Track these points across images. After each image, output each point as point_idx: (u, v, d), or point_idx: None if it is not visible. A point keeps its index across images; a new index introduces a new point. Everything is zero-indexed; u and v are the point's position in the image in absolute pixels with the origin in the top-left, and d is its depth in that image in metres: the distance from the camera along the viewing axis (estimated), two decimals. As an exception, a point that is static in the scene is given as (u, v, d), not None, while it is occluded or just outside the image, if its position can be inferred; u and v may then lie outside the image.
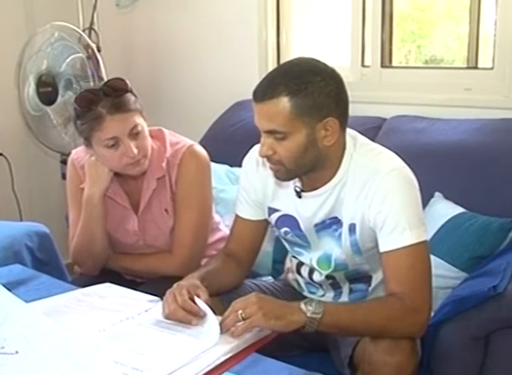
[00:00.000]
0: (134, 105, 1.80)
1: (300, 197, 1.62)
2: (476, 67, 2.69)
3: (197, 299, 1.45)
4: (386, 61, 2.80)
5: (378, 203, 1.49)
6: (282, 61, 2.89)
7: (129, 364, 1.24)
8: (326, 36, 3.05)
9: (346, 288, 1.71)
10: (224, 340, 1.33)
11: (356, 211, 1.54)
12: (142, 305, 1.55)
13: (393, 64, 2.85)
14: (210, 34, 3.16)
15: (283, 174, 1.55)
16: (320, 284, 1.73)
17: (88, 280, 1.82)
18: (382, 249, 1.51)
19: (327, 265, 1.66)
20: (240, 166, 1.80)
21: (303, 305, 1.40)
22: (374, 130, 2.45)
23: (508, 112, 2.33)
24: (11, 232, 2.08)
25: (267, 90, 1.46)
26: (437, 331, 1.63)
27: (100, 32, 3.12)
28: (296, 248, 1.72)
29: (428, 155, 2.23)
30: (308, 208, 1.61)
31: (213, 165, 2.06)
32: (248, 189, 1.73)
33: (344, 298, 1.71)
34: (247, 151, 1.76)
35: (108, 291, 1.68)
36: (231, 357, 1.30)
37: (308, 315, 1.38)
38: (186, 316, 1.42)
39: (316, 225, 1.62)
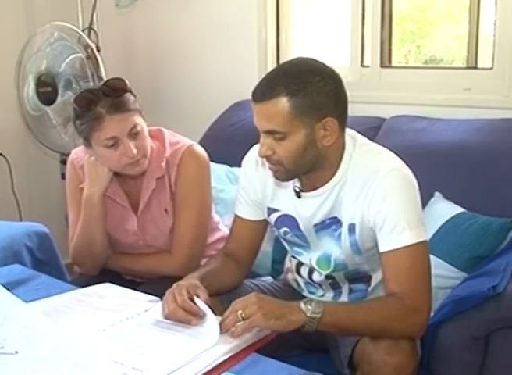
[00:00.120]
0: (134, 105, 1.80)
1: (299, 197, 1.62)
2: (476, 67, 2.69)
3: (196, 299, 1.45)
4: (386, 61, 2.80)
5: (378, 203, 1.49)
6: (282, 61, 2.89)
7: (129, 364, 1.24)
8: (326, 36, 3.05)
9: (345, 288, 1.71)
10: (224, 340, 1.33)
11: (355, 211, 1.54)
12: (142, 305, 1.55)
13: (393, 64, 2.85)
14: (210, 34, 3.16)
15: (283, 174, 1.55)
16: (319, 284, 1.73)
17: (88, 280, 1.82)
18: (381, 249, 1.51)
19: (326, 265, 1.66)
20: (239, 166, 1.80)
21: (302, 305, 1.40)
22: (373, 130, 2.45)
23: (508, 112, 2.33)
24: (10, 232, 2.08)
25: (266, 90, 1.46)
26: (437, 331, 1.63)
27: (99, 32, 3.12)
28: (296, 248, 1.72)
29: (428, 155, 2.23)
30: (308, 209, 1.61)
31: (212, 165, 2.06)
32: (248, 189, 1.73)
33: (344, 297, 1.71)
34: (247, 151, 1.76)
35: (107, 291, 1.67)
36: (231, 357, 1.30)
37: (308, 314, 1.38)
38: (186, 316, 1.42)
39: (315, 225, 1.62)
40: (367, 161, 1.54)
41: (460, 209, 2.08)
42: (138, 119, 1.81)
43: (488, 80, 2.49)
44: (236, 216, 1.78)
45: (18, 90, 2.98)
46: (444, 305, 1.67)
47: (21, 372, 1.24)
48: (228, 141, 2.69)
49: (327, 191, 1.57)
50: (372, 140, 1.74)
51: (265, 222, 1.75)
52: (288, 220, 1.67)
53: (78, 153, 1.99)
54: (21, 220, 3.15)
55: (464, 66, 2.77)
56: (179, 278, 1.86)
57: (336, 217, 1.58)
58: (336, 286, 1.71)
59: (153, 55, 3.43)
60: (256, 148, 1.62)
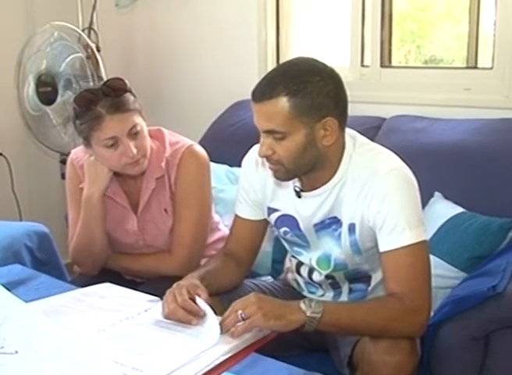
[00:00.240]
0: (133, 104, 1.80)
1: (299, 197, 1.62)
2: (475, 67, 2.69)
3: (198, 299, 1.45)
4: (386, 61, 2.80)
5: (378, 203, 1.49)
6: (282, 61, 2.89)
7: (129, 364, 1.24)
8: (326, 36, 3.05)
9: (345, 288, 1.71)
10: (223, 340, 1.33)
11: (355, 211, 1.54)
12: (142, 305, 1.55)
13: (393, 64, 2.85)
14: (209, 34, 3.16)
15: (283, 174, 1.55)
16: (319, 284, 1.73)
17: (88, 280, 1.82)
18: (381, 249, 1.51)
19: (326, 265, 1.66)
20: (239, 165, 1.80)
21: (302, 305, 1.40)
22: (373, 129, 2.45)
23: (507, 112, 2.33)
24: (10, 232, 2.08)
25: (266, 90, 1.46)
26: (437, 331, 1.63)
27: (99, 32, 3.12)
28: (296, 248, 1.72)
29: (428, 154, 2.23)
30: (308, 208, 1.61)
31: (212, 165, 2.06)
32: (248, 189, 1.73)
33: (344, 297, 1.71)
34: (247, 151, 1.76)
35: (107, 290, 1.67)
36: (230, 357, 1.30)
37: (308, 314, 1.38)
38: (186, 316, 1.42)
39: (315, 225, 1.62)
40: (367, 161, 1.54)
41: (459, 209, 2.08)
42: (138, 119, 1.81)
43: (488, 80, 2.49)
44: (236, 216, 1.78)
45: (18, 90, 2.98)
46: (444, 304, 1.67)
47: (21, 372, 1.24)
48: (228, 141, 2.69)
49: (327, 190, 1.57)
50: (372, 140, 1.74)
51: (265, 222, 1.75)
52: (288, 220, 1.67)
53: (78, 153, 1.99)
54: (21, 220, 3.15)
55: (464, 65, 2.77)
56: (179, 278, 1.86)
57: (335, 217, 1.58)
58: (335, 286, 1.71)
59: (153, 55, 3.43)
60: (256, 147, 1.62)
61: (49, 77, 2.85)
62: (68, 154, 2.08)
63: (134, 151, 1.78)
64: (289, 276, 1.86)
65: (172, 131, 2.00)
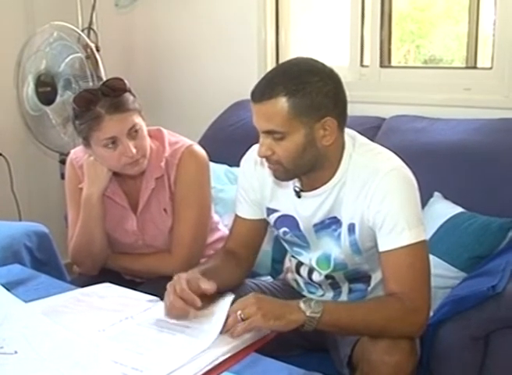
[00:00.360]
0: (133, 104, 1.80)
1: (299, 197, 1.62)
2: (475, 67, 2.69)
3: (220, 302, 1.43)
4: (385, 61, 2.80)
5: (378, 203, 1.49)
6: (282, 61, 2.89)
7: (129, 364, 1.24)
8: (325, 36, 3.05)
9: (345, 288, 1.71)
10: (223, 340, 1.33)
11: (355, 211, 1.54)
12: (141, 305, 1.55)
13: (392, 64, 2.85)
14: (209, 34, 3.16)
15: (282, 174, 1.55)
16: (319, 284, 1.73)
17: (87, 280, 1.82)
18: (381, 249, 1.51)
19: (326, 265, 1.66)
20: (238, 165, 1.79)
21: (302, 304, 1.39)
22: (373, 129, 2.45)
23: (507, 112, 2.33)
24: (10, 232, 2.08)
25: (265, 90, 1.46)
26: (436, 331, 1.63)
27: (99, 32, 3.13)
28: (296, 248, 1.72)
29: (428, 154, 2.23)
30: (308, 208, 1.61)
31: (212, 165, 2.06)
32: (247, 189, 1.73)
33: (343, 297, 1.71)
34: (246, 151, 1.76)
35: (107, 290, 1.67)
36: (230, 357, 1.30)
37: (307, 314, 1.38)
38: (184, 307, 1.41)
39: (315, 225, 1.62)
40: (366, 161, 1.54)
41: (459, 209, 2.08)
42: (137, 119, 1.81)
43: (488, 79, 2.49)
44: (237, 216, 1.78)
45: (17, 90, 2.98)
46: (443, 304, 1.67)
47: (21, 372, 1.24)
48: (227, 141, 2.69)
49: (327, 190, 1.57)
50: (372, 140, 1.74)
51: (265, 221, 1.75)
52: (288, 220, 1.67)
53: (77, 153, 1.99)
54: (20, 220, 3.15)
55: (464, 65, 2.77)
56: (179, 278, 1.86)
57: (335, 217, 1.58)
58: (335, 286, 1.71)
59: (152, 55, 3.43)
60: (255, 148, 1.62)
61: (49, 77, 2.85)
62: (67, 154, 2.08)
63: (134, 151, 1.78)
64: (289, 276, 1.86)
65: (171, 131, 2.00)
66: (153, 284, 1.83)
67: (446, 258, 1.95)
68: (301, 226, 1.64)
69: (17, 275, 1.82)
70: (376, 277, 1.66)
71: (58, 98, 2.84)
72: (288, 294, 1.76)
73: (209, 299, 1.57)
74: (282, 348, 1.53)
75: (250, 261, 1.79)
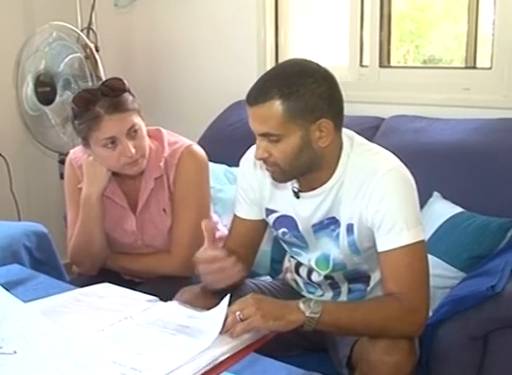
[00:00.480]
0: (132, 104, 1.80)
1: (298, 197, 1.62)
2: (474, 67, 2.69)
3: (221, 303, 1.43)
4: (385, 61, 2.80)
5: (376, 203, 1.49)
6: (281, 61, 2.89)
7: (128, 364, 1.24)
8: (325, 36, 3.05)
9: (344, 288, 1.71)
10: (222, 340, 1.33)
11: (353, 211, 1.54)
12: (141, 305, 1.54)
13: (392, 64, 2.85)
14: (208, 34, 3.16)
15: (280, 176, 1.55)
16: (319, 284, 1.73)
17: (86, 280, 1.82)
18: (379, 249, 1.50)
19: (325, 265, 1.65)
20: (238, 165, 1.79)
21: (301, 305, 1.39)
22: (372, 129, 2.45)
23: (506, 112, 2.33)
24: (9, 232, 2.08)
25: (259, 93, 1.46)
26: (435, 331, 1.63)
27: (98, 32, 3.12)
28: (295, 249, 1.72)
29: (427, 154, 2.23)
30: (306, 209, 1.61)
31: (211, 165, 2.06)
32: (246, 189, 1.73)
33: (343, 297, 1.71)
34: (245, 151, 1.76)
35: (106, 290, 1.67)
36: (229, 357, 1.29)
37: (307, 314, 1.38)
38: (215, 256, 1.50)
39: (314, 225, 1.61)
40: (365, 161, 1.54)
41: (458, 209, 2.08)
42: (136, 119, 1.81)
43: (487, 79, 2.49)
44: (236, 216, 1.78)
45: (16, 90, 2.98)
46: (443, 304, 1.67)
47: (20, 372, 1.24)
48: (227, 141, 2.69)
49: (325, 191, 1.57)
50: (371, 140, 1.74)
51: (265, 221, 1.75)
52: (286, 221, 1.66)
53: (76, 153, 1.99)
54: (20, 220, 3.15)
55: (463, 65, 2.77)
56: (178, 278, 1.87)
57: (334, 217, 1.58)
58: (335, 286, 1.71)
59: (152, 55, 3.43)
60: (254, 148, 1.62)
61: (48, 77, 2.85)
62: (66, 154, 2.08)
63: (133, 151, 1.78)
64: (289, 276, 1.86)
65: (170, 131, 2.00)
66: (152, 284, 1.83)
67: (445, 258, 1.95)
68: (300, 227, 1.64)
69: (16, 275, 1.81)
70: (375, 277, 1.66)
71: (58, 98, 2.84)
72: (287, 294, 1.76)
73: (208, 300, 1.57)
74: (282, 348, 1.53)
75: (250, 261, 1.79)
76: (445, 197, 2.15)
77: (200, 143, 2.12)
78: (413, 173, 1.55)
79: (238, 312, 1.36)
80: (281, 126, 1.45)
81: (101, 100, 1.75)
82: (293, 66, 1.50)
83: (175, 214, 1.92)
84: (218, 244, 2.00)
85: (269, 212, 1.71)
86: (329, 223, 1.59)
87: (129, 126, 1.78)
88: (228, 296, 1.41)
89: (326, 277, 1.69)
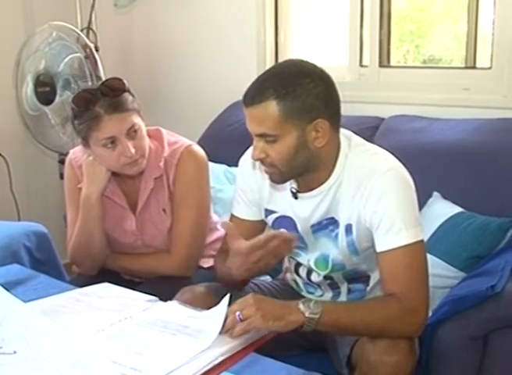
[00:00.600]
0: (132, 104, 1.80)
1: (296, 198, 1.62)
2: (474, 67, 2.69)
3: (221, 303, 1.43)
4: (384, 61, 2.80)
5: (374, 203, 1.49)
6: (281, 61, 2.89)
7: (128, 364, 1.24)
8: (324, 36, 3.05)
9: (344, 288, 1.70)
10: (222, 340, 1.33)
11: (352, 211, 1.54)
12: (140, 305, 1.54)
13: (391, 64, 2.85)
14: (208, 34, 3.16)
15: (278, 177, 1.55)
16: (318, 285, 1.73)
17: (86, 280, 1.82)
18: (378, 249, 1.50)
19: (324, 265, 1.65)
20: (237, 165, 1.79)
21: (301, 305, 1.39)
22: (372, 129, 2.46)
23: (506, 112, 2.33)
24: (9, 232, 2.08)
25: (255, 94, 1.46)
26: (435, 331, 1.63)
27: (98, 32, 3.12)
28: (294, 249, 1.71)
29: (427, 154, 2.23)
30: (305, 209, 1.61)
31: (211, 165, 2.06)
32: (245, 189, 1.73)
33: (343, 297, 1.71)
34: (245, 151, 1.76)
35: (106, 290, 1.67)
36: (229, 357, 1.30)
37: (307, 315, 1.38)
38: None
39: (313, 226, 1.61)
40: (363, 161, 1.54)
41: (458, 209, 2.08)
42: (136, 119, 1.81)
43: (487, 79, 2.49)
44: (234, 217, 1.77)
45: (16, 90, 2.98)
46: (442, 304, 1.67)
47: (20, 372, 1.24)
48: (226, 141, 2.69)
49: (323, 191, 1.57)
50: (371, 140, 1.75)
51: (263, 222, 1.75)
52: (285, 221, 1.66)
53: (76, 153, 1.99)
54: (19, 220, 3.14)
55: (463, 65, 2.77)
56: (178, 278, 1.87)
57: (332, 218, 1.58)
58: (334, 286, 1.71)
59: (151, 55, 3.43)
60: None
61: (48, 77, 2.85)
62: (66, 154, 2.08)
63: (133, 151, 1.78)
64: (288, 276, 1.86)
65: (170, 131, 2.00)
66: (152, 284, 1.83)
67: (445, 258, 1.95)
68: (299, 228, 1.64)
69: (16, 275, 1.81)
70: (375, 277, 1.66)
71: (58, 98, 2.84)
72: (287, 294, 1.76)
73: (208, 299, 1.57)
74: (282, 348, 1.53)
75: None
76: (445, 197, 2.15)
77: (199, 143, 2.12)
78: (413, 173, 1.55)
79: (238, 312, 1.36)
80: (277, 127, 1.45)
81: (100, 100, 1.75)
82: (290, 67, 1.50)
83: (175, 214, 1.92)
84: (217, 244, 2.01)
85: (268, 212, 1.71)
86: (328, 224, 1.59)
87: (128, 126, 1.78)
88: (228, 296, 1.41)
89: (326, 277, 1.69)
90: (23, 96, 2.95)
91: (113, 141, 1.77)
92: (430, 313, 1.57)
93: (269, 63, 2.98)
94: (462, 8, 2.77)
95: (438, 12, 2.93)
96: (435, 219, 2.06)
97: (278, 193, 1.67)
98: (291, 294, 1.78)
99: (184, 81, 3.29)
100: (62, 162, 2.91)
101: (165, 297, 1.58)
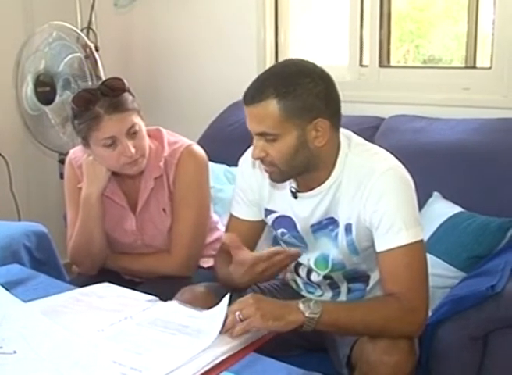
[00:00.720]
0: (132, 104, 1.80)
1: (296, 197, 1.62)
2: (474, 67, 2.69)
3: (221, 303, 1.43)
4: (384, 60, 2.80)
5: (374, 203, 1.49)
6: (281, 60, 2.89)
7: (128, 364, 1.24)
8: (324, 36, 3.05)
9: (344, 288, 1.70)
10: (222, 340, 1.33)
11: (352, 211, 1.54)
12: (140, 305, 1.54)
13: (391, 64, 2.85)
14: (208, 34, 3.16)
15: (277, 176, 1.55)
16: (318, 284, 1.73)
17: (86, 280, 1.82)
18: (378, 249, 1.50)
19: (324, 265, 1.65)
20: (237, 165, 1.79)
21: (301, 305, 1.39)
22: (372, 129, 2.45)
23: (506, 112, 2.33)
24: (9, 232, 2.08)
25: (256, 93, 1.46)
26: (435, 331, 1.63)
27: (98, 32, 3.13)
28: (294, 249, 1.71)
29: (427, 154, 2.23)
30: (304, 209, 1.61)
31: (211, 164, 2.06)
32: (245, 189, 1.73)
33: (342, 297, 1.71)
34: (245, 151, 1.76)
35: (106, 290, 1.67)
36: (229, 357, 1.30)
37: (306, 314, 1.38)
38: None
39: (312, 225, 1.61)
40: (363, 161, 1.54)
41: (458, 209, 2.08)
42: (136, 119, 1.81)
43: (487, 79, 2.49)
44: (233, 217, 1.77)
45: (16, 89, 2.98)
46: (442, 304, 1.67)
47: (20, 372, 1.24)
48: (226, 141, 2.69)
49: (323, 191, 1.57)
50: (371, 140, 1.75)
51: (263, 222, 1.75)
52: (285, 221, 1.66)
53: (76, 153, 1.99)
54: (19, 220, 3.14)
55: (463, 65, 2.77)
56: (178, 278, 1.87)
57: (332, 217, 1.58)
58: (334, 286, 1.71)
59: (151, 55, 3.43)
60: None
61: (48, 77, 2.85)
62: (66, 154, 2.08)
63: (133, 150, 1.78)
64: (288, 276, 1.86)
65: (170, 131, 2.00)
66: (152, 284, 1.83)
67: (445, 258, 1.95)
68: (299, 227, 1.64)
69: (16, 275, 1.81)
70: (375, 277, 1.66)
71: (58, 98, 2.84)
72: (287, 294, 1.76)
73: (208, 299, 1.57)
74: (282, 347, 1.53)
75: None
76: (445, 197, 2.15)
77: (200, 143, 2.12)
78: (413, 173, 1.55)
79: (238, 312, 1.36)
80: (278, 126, 1.45)
81: (100, 100, 1.75)
82: (290, 66, 1.50)
83: (175, 214, 1.92)
84: (217, 244, 2.01)
85: (268, 212, 1.71)
86: (328, 223, 1.59)
87: (128, 125, 1.78)
88: (228, 296, 1.41)
89: (325, 277, 1.69)
90: (23, 96, 2.95)
91: (113, 141, 1.77)
92: (430, 313, 1.57)
93: (269, 63, 2.98)
94: (462, 8, 2.77)
95: (438, 12, 2.93)
96: (435, 219, 2.06)
97: (278, 192, 1.67)
98: (291, 293, 1.78)
99: (184, 81, 3.29)
100: (62, 161, 2.92)
101: (165, 297, 1.58)
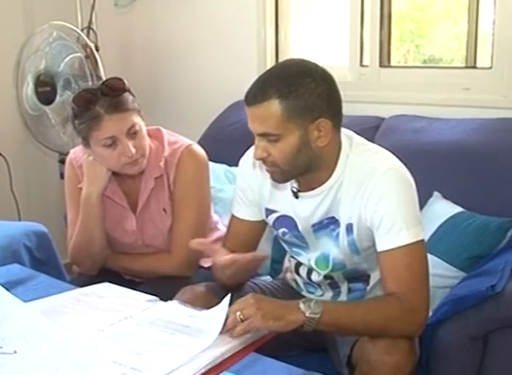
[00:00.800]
0: (132, 104, 1.80)
1: (297, 197, 1.62)
2: (474, 67, 2.69)
3: (222, 303, 1.43)
4: (385, 60, 2.80)
5: (375, 202, 1.49)
6: (281, 60, 2.89)
7: (128, 364, 1.24)
8: (325, 35, 3.05)
9: (344, 288, 1.71)
10: (222, 340, 1.33)
11: (353, 211, 1.54)
12: (141, 305, 1.55)
13: (392, 64, 2.85)
14: (208, 34, 3.16)
15: (279, 176, 1.55)
16: (318, 284, 1.73)
17: (87, 280, 1.82)
18: (379, 249, 1.51)
19: (325, 265, 1.66)
20: (238, 165, 1.79)
21: (301, 305, 1.39)
22: (372, 129, 2.45)
23: (506, 112, 2.33)
24: (9, 232, 2.08)
25: (257, 93, 1.46)
26: (435, 331, 1.63)
27: (98, 31, 3.13)
28: (295, 249, 1.72)
29: (427, 154, 2.23)
30: (306, 209, 1.61)
31: (211, 164, 2.06)
32: (245, 189, 1.73)
33: (343, 297, 1.71)
34: (245, 151, 1.76)
35: (106, 290, 1.67)
36: (229, 357, 1.30)
37: (307, 314, 1.38)
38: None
39: (313, 225, 1.61)
40: (364, 161, 1.54)
41: (458, 209, 2.08)
42: (137, 119, 1.81)
43: (487, 79, 2.49)
44: (234, 217, 1.77)
45: (17, 89, 2.98)
46: (443, 304, 1.67)
47: (20, 372, 1.24)
48: (227, 141, 2.69)
49: (324, 191, 1.57)
50: (371, 139, 1.74)
51: (263, 222, 1.75)
52: (286, 221, 1.66)
53: (77, 152, 1.99)
54: (20, 220, 3.15)
55: (463, 65, 2.77)
56: (178, 278, 1.87)
57: (333, 217, 1.58)
58: (334, 285, 1.71)
59: (152, 55, 3.43)
60: (253, 149, 1.62)
61: (48, 77, 2.85)
62: (67, 154, 2.08)
63: (133, 150, 1.78)
64: (288, 276, 1.86)
65: (170, 131, 2.00)
66: (152, 284, 1.83)
67: (445, 258, 1.95)
68: (300, 227, 1.64)
69: (16, 275, 1.82)
70: (375, 277, 1.66)
71: (58, 98, 2.84)
72: (287, 294, 1.76)
73: (208, 299, 1.57)
74: (282, 347, 1.53)
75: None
76: (445, 196, 2.15)
77: (200, 143, 2.12)
78: (413, 173, 1.55)
79: (238, 312, 1.36)
80: (280, 126, 1.45)
81: (101, 100, 1.75)
82: (292, 66, 1.50)
83: (175, 214, 1.92)
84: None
85: (269, 212, 1.71)
86: (329, 223, 1.59)
87: (129, 125, 1.78)
88: (228, 296, 1.41)
89: (326, 277, 1.69)
90: (24, 96, 2.95)
91: (113, 141, 1.77)
92: (430, 313, 1.57)
93: (270, 63, 2.98)
94: (462, 8, 2.77)
95: (438, 12, 2.93)
96: (436, 218, 2.06)
97: (279, 192, 1.67)
98: (291, 293, 1.78)
99: (184, 81, 3.29)
100: (62, 161, 2.92)
101: (165, 297, 1.58)
